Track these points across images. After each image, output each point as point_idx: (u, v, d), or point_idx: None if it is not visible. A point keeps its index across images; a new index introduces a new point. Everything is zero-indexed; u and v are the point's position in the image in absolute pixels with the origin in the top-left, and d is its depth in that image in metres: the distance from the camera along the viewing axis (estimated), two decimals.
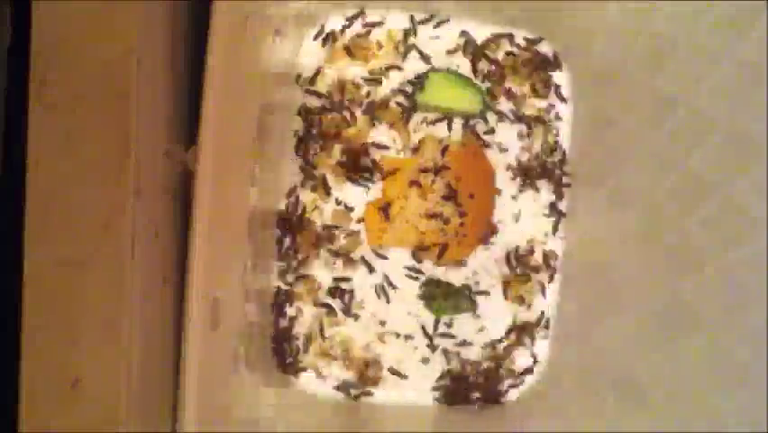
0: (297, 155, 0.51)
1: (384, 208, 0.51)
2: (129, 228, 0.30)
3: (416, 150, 0.51)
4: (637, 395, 0.44)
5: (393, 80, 0.51)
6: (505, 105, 0.52)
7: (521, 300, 0.52)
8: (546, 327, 0.52)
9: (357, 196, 0.51)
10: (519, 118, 0.52)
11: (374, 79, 0.51)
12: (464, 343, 0.52)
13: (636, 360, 0.46)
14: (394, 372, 0.51)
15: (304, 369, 0.51)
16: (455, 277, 0.52)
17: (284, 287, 0.51)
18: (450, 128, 0.52)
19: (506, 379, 0.52)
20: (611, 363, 0.47)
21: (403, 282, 0.51)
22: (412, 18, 0.51)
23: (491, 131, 0.52)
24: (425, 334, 0.52)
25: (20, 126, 0.30)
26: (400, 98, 0.51)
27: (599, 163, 0.50)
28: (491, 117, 0.52)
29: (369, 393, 0.51)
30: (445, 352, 0.52)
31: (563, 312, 0.52)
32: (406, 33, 0.51)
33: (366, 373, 0.51)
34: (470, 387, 0.52)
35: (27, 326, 0.29)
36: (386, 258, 0.51)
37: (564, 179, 0.52)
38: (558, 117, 0.52)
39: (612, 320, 0.48)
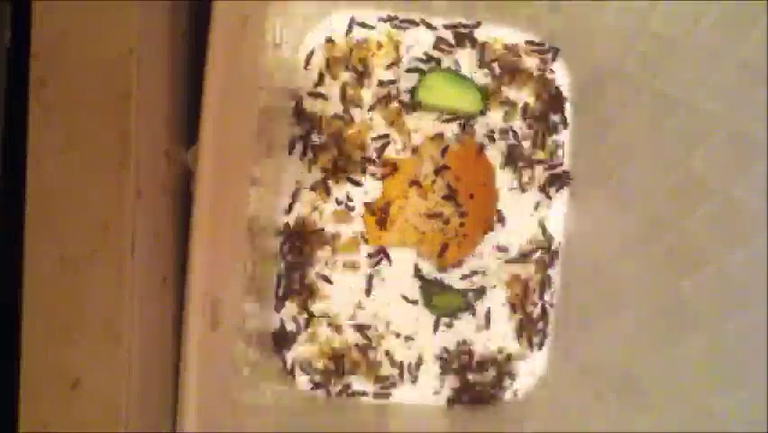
0: (297, 155, 0.51)
1: (384, 208, 0.51)
2: (129, 228, 0.30)
3: (415, 150, 0.52)
4: (637, 395, 0.45)
5: (393, 80, 0.51)
6: (505, 104, 0.52)
7: (521, 300, 0.52)
8: (546, 326, 0.53)
9: (357, 196, 0.51)
10: (519, 118, 0.52)
11: (374, 80, 0.51)
12: (464, 343, 0.52)
13: (636, 360, 0.46)
14: (401, 373, 0.52)
15: (304, 369, 0.51)
16: (455, 277, 0.52)
17: (284, 287, 0.51)
18: (449, 128, 0.52)
19: (506, 379, 0.52)
20: (611, 363, 0.47)
21: (403, 282, 0.52)
22: (412, 18, 0.51)
23: (491, 131, 0.52)
24: (426, 334, 0.52)
25: (20, 126, 0.30)
26: (400, 98, 0.51)
27: (599, 163, 0.51)
28: (491, 117, 0.52)
29: (368, 394, 0.51)
30: (446, 352, 0.52)
31: (563, 312, 0.52)
32: (407, 33, 0.51)
33: (366, 374, 0.51)
34: (470, 387, 0.52)
35: (27, 326, 0.29)
36: (386, 258, 0.51)
37: (564, 179, 0.52)
38: (558, 117, 0.52)
39: (612, 320, 0.48)
